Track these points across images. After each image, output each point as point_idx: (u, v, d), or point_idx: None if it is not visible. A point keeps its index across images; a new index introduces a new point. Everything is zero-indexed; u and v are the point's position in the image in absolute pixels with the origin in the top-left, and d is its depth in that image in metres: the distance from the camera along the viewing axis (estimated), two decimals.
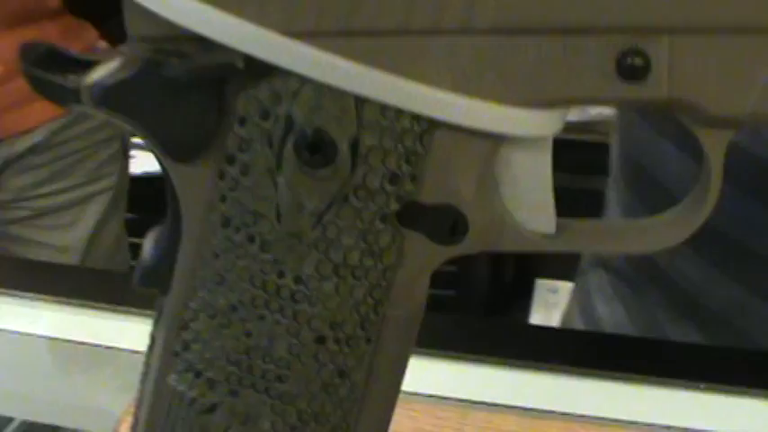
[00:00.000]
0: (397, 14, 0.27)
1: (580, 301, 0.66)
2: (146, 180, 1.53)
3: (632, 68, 0.27)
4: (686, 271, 0.58)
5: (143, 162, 1.59)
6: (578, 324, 0.65)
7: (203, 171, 0.30)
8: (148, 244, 0.33)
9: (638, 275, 0.62)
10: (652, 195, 0.58)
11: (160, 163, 0.31)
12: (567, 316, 0.68)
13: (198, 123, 0.29)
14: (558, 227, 0.31)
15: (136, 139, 1.39)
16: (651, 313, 0.61)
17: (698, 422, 0.48)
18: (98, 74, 0.30)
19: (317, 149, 0.29)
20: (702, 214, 0.29)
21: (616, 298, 0.63)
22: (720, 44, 0.27)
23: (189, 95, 0.29)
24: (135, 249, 1.30)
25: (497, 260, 1.85)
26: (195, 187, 0.30)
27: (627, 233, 0.31)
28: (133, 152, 1.36)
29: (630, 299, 0.62)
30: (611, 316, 0.63)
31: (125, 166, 1.29)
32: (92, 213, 1.21)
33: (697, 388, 0.50)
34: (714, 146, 0.28)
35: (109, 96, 0.29)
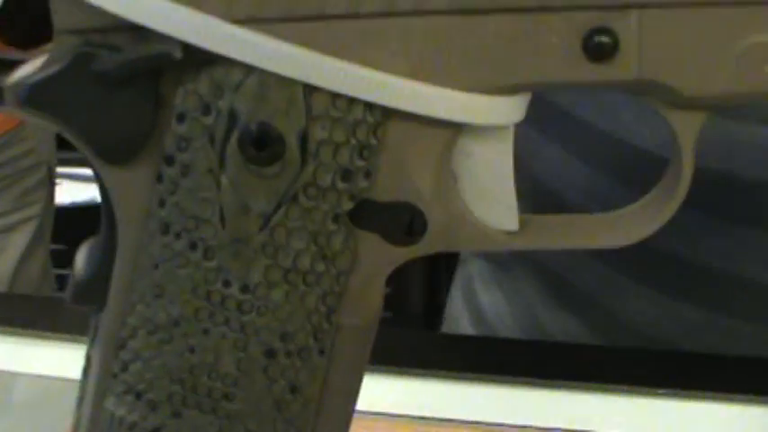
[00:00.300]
0: None
1: (462, 289, 0.64)
2: (73, 210, 1.49)
3: (599, 47, 0.25)
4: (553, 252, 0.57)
5: (70, 192, 1.55)
6: (462, 313, 0.63)
7: (139, 174, 0.28)
8: (81, 257, 0.30)
9: (510, 259, 0.61)
10: (541, 201, 0.57)
11: (92, 166, 0.28)
12: (450, 306, 0.66)
13: (133, 122, 0.27)
14: (521, 223, 0.29)
15: (62, 169, 1.35)
16: (525, 296, 0.61)
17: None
18: (22, 72, 0.27)
19: (262, 145, 0.26)
20: (674, 202, 0.27)
21: (494, 284, 0.62)
22: (691, 19, 0.25)
23: (122, 91, 0.27)
24: (62, 281, 1.26)
25: (433, 281, 1.84)
26: (131, 192, 0.28)
27: (595, 227, 0.29)
28: (59, 180, 1.32)
29: (506, 283, 0.61)
30: (492, 303, 0.61)
31: (51, 193, 1.25)
32: (17, 243, 1.17)
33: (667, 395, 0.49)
34: (685, 130, 0.27)
35: (34, 95, 0.27)
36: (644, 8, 0.25)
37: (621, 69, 0.26)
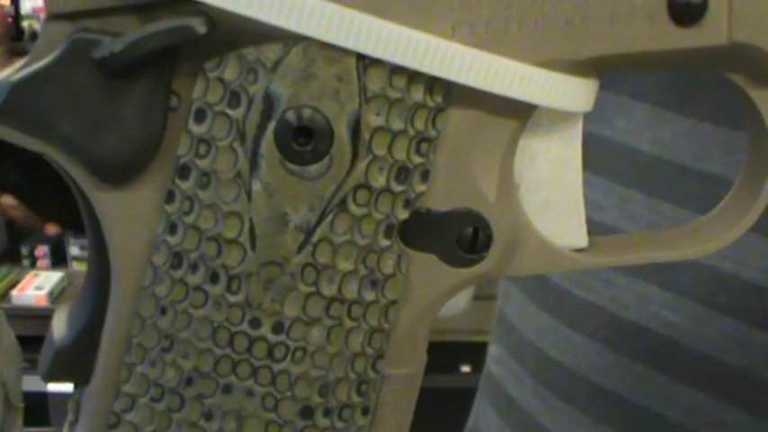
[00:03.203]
0: None
1: (493, 401, 0.58)
2: None
3: (687, 7, 0.22)
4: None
5: None
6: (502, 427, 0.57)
7: (144, 194, 0.23)
8: (59, 321, 0.25)
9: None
10: None
11: (79, 192, 0.23)
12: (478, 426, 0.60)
13: (140, 126, 0.22)
14: (590, 243, 0.25)
15: None
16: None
17: None
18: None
19: (306, 137, 0.22)
20: (765, 193, 0.24)
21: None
22: None
23: (127, 86, 0.22)
24: None
25: None
26: (132, 219, 0.23)
27: (672, 239, 0.26)
28: None
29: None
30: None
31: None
32: None
33: None
34: None
35: (15, 99, 0.22)
36: None
37: (711, 33, 0.23)
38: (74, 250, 1.88)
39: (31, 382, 1.43)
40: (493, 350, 0.59)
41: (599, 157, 0.45)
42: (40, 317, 1.54)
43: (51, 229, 1.15)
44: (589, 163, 0.46)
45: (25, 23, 1.75)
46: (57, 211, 1.13)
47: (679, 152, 0.42)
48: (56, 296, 1.79)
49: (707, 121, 0.41)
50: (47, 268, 1.88)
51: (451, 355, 1.80)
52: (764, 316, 0.44)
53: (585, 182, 0.46)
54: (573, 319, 0.51)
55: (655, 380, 0.48)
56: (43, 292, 1.77)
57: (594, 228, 0.44)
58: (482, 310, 1.76)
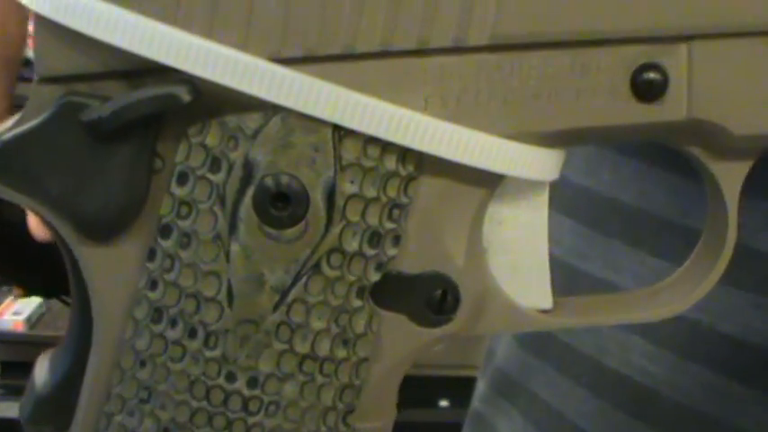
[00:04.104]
0: (377, 34, 0.23)
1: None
2: None
3: (649, 84, 0.24)
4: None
5: None
6: None
7: (126, 251, 0.24)
8: (41, 369, 0.26)
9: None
10: None
11: (64, 246, 0.24)
12: None
13: (125, 186, 0.23)
14: (554, 304, 0.26)
15: None
16: None
17: None
18: None
19: (283, 202, 0.23)
20: (721, 263, 0.25)
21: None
22: (742, 51, 0.24)
23: (113, 149, 0.23)
24: None
25: None
26: (114, 274, 0.24)
27: (634, 302, 0.27)
28: None
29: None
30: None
31: None
32: None
33: None
34: (730, 181, 0.25)
35: (4, 157, 0.23)
36: (693, 40, 0.24)
37: (671, 109, 0.24)
38: None
39: (5, 408, 1.43)
40: (481, 388, 0.59)
41: (584, 207, 0.46)
42: (18, 342, 1.54)
43: (17, 292, 1.19)
44: (575, 213, 0.47)
45: None
46: (17, 276, 1.17)
47: (664, 206, 0.43)
48: (34, 322, 1.79)
49: (692, 178, 0.42)
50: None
51: (430, 390, 1.80)
52: (741, 368, 0.44)
53: (572, 231, 0.47)
54: (560, 363, 0.51)
55: (634, 428, 0.48)
56: (21, 318, 1.77)
57: (580, 277, 0.45)
58: (461, 345, 1.77)
